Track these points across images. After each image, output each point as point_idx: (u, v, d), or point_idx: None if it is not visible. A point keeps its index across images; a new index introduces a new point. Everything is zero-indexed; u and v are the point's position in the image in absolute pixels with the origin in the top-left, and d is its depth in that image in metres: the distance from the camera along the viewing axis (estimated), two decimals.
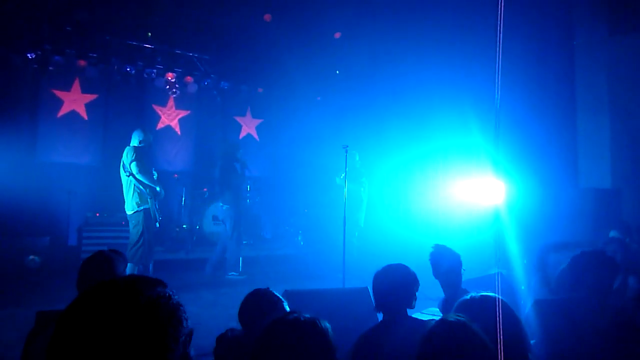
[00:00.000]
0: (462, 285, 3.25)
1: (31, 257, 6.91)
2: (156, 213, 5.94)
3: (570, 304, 2.53)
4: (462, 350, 1.48)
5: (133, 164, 5.77)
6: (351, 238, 5.84)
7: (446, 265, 3.19)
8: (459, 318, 1.58)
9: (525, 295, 3.75)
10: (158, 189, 5.97)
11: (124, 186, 5.95)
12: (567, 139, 7.08)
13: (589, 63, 7.11)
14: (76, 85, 8.88)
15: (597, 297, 2.47)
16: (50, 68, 8.42)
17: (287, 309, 2.33)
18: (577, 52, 7.25)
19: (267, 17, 8.77)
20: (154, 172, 6.18)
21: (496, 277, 3.52)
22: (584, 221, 5.82)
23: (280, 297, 2.39)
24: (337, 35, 9.53)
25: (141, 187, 5.83)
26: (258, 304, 2.32)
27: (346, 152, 5.34)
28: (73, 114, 8.85)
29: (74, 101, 8.87)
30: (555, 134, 7.02)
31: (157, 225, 6.07)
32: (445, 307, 3.10)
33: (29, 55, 8.11)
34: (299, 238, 9.67)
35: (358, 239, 7.47)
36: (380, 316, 2.63)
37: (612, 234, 5.43)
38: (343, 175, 5.60)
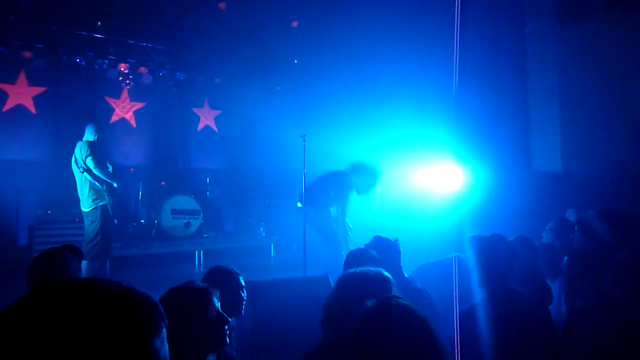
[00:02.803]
0: (418, 269, 3.35)
1: None
2: (114, 209, 5.77)
3: None
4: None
5: (89, 159, 5.57)
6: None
7: (384, 255, 3.23)
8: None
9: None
10: (115, 185, 5.79)
11: (77, 183, 5.74)
12: (520, 123, 7.29)
13: (539, 50, 7.32)
14: (22, 77, 8.48)
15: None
16: None
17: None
18: (528, 40, 7.45)
19: (222, 5, 8.58)
20: (109, 165, 5.99)
21: (453, 260, 3.59)
22: (537, 203, 6.02)
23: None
24: (295, 24, 9.44)
25: (97, 183, 5.64)
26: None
27: (304, 141, 5.32)
28: (20, 107, 8.45)
29: (21, 94, 8.47)
30: (509, 120, 7.21)
31: (115, 221, 5.90)
32: None
33: None
34: (261, 229, 9.62)
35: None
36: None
37: (569, 213, 5.64)
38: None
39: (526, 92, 7.39)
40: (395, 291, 2.04)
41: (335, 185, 5.73)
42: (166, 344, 0.85)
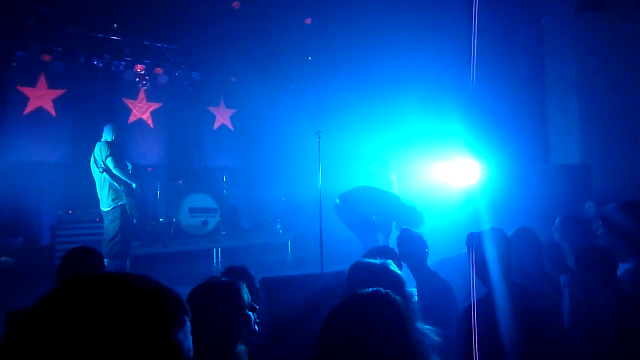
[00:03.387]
0: (434, 265, 3.35)
1: (3, 258, 6.76)
2: (133, 210, 5.85)
3: None
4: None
5: (109, 159, 5.66)
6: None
7: (411, 248, 3.30)
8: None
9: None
10: (134, 185, 5.87)
11: (97, 183, 5.83)
12: (538, 117, 7.19)
13: (557, 42, 7.21)
14: (42, 80, 8.64)
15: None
16: (14, 64, 8.19)
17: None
18: (545, 31, 7.34)
19: (236, 4, 8.63)
20: (128, 165, 6.08)
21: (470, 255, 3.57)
22: (555, 197, 5.95)
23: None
24: (308, 21, 9.44)
25: (115, 183, 5.72)
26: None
27: (319, 137, 5.33)
28: (40, 110, 8.62)
29: (41, 97, 8.64)
30: (526, 112, 7.12)
31: (135, 221, 5.99)
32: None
33: None
34: (278, 227, 9.67)
35: None
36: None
37: (588, 207, 5.55)
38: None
39: (544, 85, 7.29)
40: (401, 285, 2.06)
41: (380, 213, 5.83)
42: (190, 337, 0.85)
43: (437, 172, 7.24)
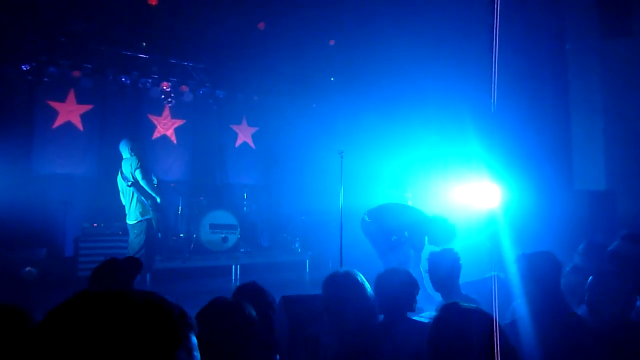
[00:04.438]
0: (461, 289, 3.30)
1: (28, 268, 6.89)
2: (159, 224, 5.95)
3: None
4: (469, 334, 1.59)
5: (137, 171, 5.80)
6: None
7: (444, 270, 3.24)
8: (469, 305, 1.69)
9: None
10: (159, 200, 5.98)
11: (124, 196, 5.96)
12: (561, 142, 7.12)
13: (581, 67, 7.17)
14: (71, 96, 8.89)
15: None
16: (45, 79, 8.43)
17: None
18: (570, 56, 7.31)
19: (261, 25, 8.81)
20: (154, 178, 6.21)
21: (492, 280, 3.54)
22: (579, 223, 5.86)
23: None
24: (332, 42, 9.58)
25: (143, 197, 5.84)
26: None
27: (341, 157, 5.36)
28: (68, 124, 8.85)
29: (70, 112, 8.88)
30: (550, 137, 7.06)
31: (159, 235, 6.08)
32: None
33: (23, 66, 8.12)
34: (297, 245, 9.68)
35: None
36: (381, 318, 2.70)
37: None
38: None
39: (567, 109, 7.23)
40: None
41: (411, 228, 5.72)
42: (196, 354, 0.84)
43: (457, 195, 7.20)
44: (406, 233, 5.69)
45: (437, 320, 1.67)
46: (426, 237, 5.60)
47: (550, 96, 7.30)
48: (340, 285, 2.63)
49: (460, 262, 3.37)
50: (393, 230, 5.67)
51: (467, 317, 1.62)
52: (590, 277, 2.86)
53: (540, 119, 7.04)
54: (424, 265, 5.57)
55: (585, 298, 2.75)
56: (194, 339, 0.85)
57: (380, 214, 5.79)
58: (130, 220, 5.89)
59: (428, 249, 5.45)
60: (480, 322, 1.60)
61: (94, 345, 0.74)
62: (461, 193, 7.07)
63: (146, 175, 5.83)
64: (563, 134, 7.11)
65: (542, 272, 2.51)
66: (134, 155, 6.03)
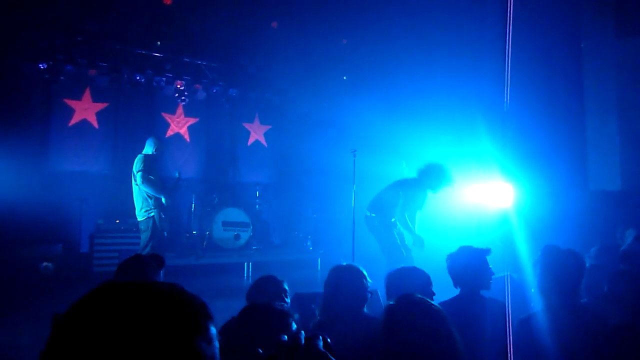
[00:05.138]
0: None
1: (45, 263, 7.00)
2: (163, 222, 6.03)
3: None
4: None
5: (138, 175, 5.89)
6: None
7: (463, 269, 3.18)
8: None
9: (536, 298, 3.74)
10: (163, 199, 6.05)
11: (134, 193, 6.05)
12: (576, 141, 7.07)
13: (596, 66, 7.10)
14: (87, 94, 9.01)
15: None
16: (62, 77, 8.54)
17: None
18: (585, 55, 7.25)
19: (274, 24, 8.86)
20: (177, 174, 6.35)
21: (505, 279, 3.53)
22: (594, 224, 5.81)
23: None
24: (344, 41, 9.59)
25: (146, 195, 5.95)
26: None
27: (354, 156, 5.37)
28: (84, 122, 8.97)
29: (85, 110, 9.00)
30: (564, 136, 7.01)
31: (165, 234, 6.16)
32: None
33: (41, 65, 8.24)
34: (308, 243, 9.70)
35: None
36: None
37: (628, 234, 5.38)
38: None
39: (582, 109, 7.17)
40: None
41: (408, 186, 5.72)
42: (215, 344, 0.86)
43: (470, 194, 7.17)
44: (401, 192, 5.62)
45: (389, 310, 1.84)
46: (427, 191, 5.58)
47: (565, 95, 7.24)
48: (341, 270, 2.85)
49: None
50: (390, 202, 5.64)
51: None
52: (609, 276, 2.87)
53: (554, 117, 6.98)
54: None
55: (605, 293, 2.76)
56: (214, 330, 0.86)
57: (378, 202, 5.77)
58: (138, 217, 6.03)
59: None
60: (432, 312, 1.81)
61: (117, 332, 0.76)
62: (475, 192, 7.04)
63: (145, 179, 5.89)
64: (578, 133, 7.06)
65: (568, 268, 2.52)
66: (152, 154, 6.12)
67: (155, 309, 0.81)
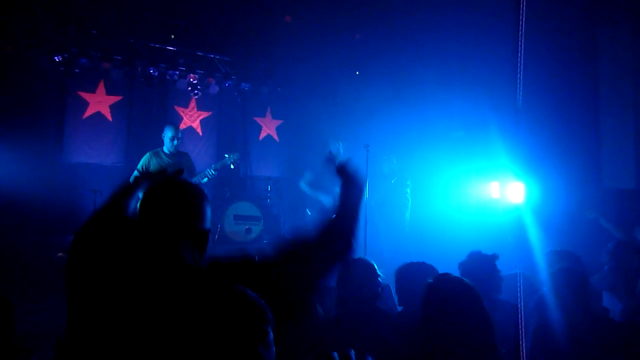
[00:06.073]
0: None
1: (60, 254, 7.09)
2: None
3: None
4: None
5: (135, 171, 6.03)
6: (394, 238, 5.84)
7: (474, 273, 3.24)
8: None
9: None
10: None
11: None
12: (590, 138, 7.00)
13: (612, 61, 7.02)
14: (101, 87, 9.08)
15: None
16: (76, 70, 8.61)
17: None
18: (600, 50, 7.17)
19: (288, 18, 8.85)
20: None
21: (518, 277, 3.52)
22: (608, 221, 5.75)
23: None
24: (357, 36, 9.56)
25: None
26: None
27: (367, 151, 5.38)
28: (98, 115, 9.05)
29: (99, 103, 9.07)
30: (578, 133, 6.95)
31: None
32: None
33: (56, 57, 8.31)
34: None
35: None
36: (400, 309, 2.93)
37: (636, 231, 5.34)
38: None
39: (597, 105, 7.10)
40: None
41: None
42: (272, 349, 0.88)
43: (483, 191, 7.15)
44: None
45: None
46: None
47: (579, 91, 7.17)
48: (352, 264, 3.00)
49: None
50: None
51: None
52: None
53: (568, 114, 6.92)
54: None
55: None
56: (272, 333, 0.90)
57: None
58: None
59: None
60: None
61: (188, 329, 0.85)
62: (487, 189, 7.02)
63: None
64: (592, 129, 6.99)
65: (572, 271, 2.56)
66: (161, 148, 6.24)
67: (228, 312, 0.85)
